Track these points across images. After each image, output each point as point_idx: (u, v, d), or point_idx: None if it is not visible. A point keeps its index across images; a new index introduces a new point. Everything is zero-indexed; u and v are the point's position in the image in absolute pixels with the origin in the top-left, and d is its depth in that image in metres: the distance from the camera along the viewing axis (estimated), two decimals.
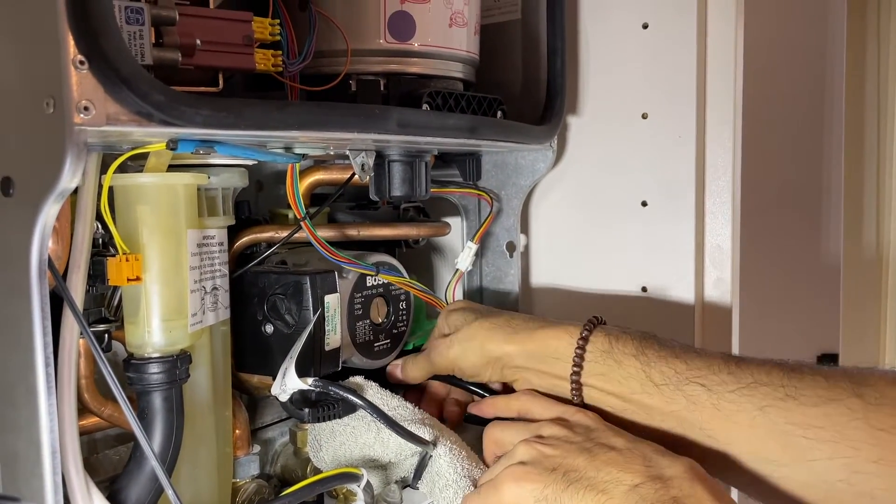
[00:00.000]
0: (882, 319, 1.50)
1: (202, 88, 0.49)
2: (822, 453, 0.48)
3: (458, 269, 0.77)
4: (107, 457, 0.65)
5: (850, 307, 1.09)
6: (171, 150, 0.46)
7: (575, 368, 0.58)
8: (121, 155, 0.49)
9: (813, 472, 0.49)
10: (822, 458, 0.48)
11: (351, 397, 0.59)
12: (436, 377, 0.70)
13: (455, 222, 0.81)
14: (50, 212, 0.39)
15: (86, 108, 0.37)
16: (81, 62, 0.37)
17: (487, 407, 0.64)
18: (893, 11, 1.45)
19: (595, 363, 0.58)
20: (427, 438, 0.60)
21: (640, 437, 0.53)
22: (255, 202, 0.73)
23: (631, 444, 0.51)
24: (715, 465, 0.52)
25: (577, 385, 0.59)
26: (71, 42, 0.37)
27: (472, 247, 0.77)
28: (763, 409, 0.50)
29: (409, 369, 0.70)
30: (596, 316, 0.61)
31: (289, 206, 0.70)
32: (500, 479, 0.52)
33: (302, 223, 0.62)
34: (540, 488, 0.49)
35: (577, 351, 0.58)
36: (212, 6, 0.50)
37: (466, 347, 0.64)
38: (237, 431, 0.65)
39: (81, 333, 0.47)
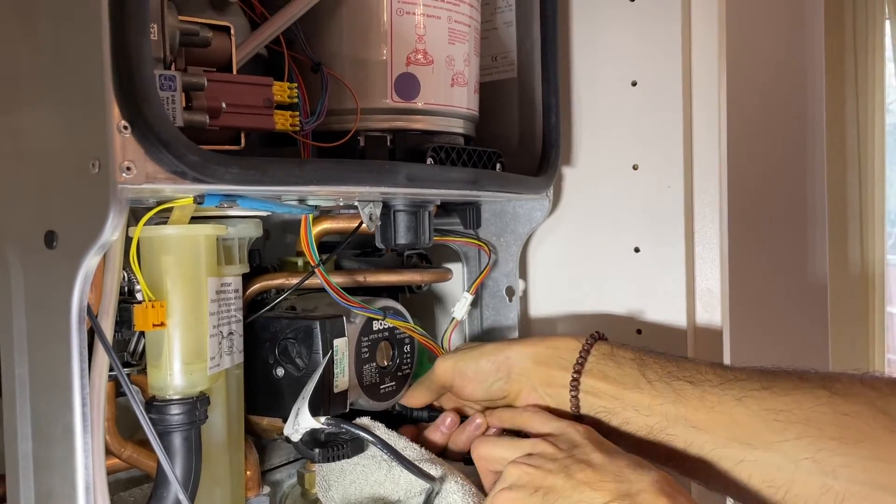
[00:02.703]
0: (870, 355, 1.54)
1: (225, 147, 0.52)
2: (790, 434, 0.54)
3: (454, 318, 0.80)
4: (121, 498, 0.67)
5: (838, 346, 1.12)
6: (199, 204, 0.49)
7: (577, 367, 0.63)
8: (147, 208, 0.52)
9: (782, 453, 0.54)
10: (791, 439, 0.54)
11: (364, 435, 0.61)
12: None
13: (456, 268, 0.85)
14: (91, 263, 0.43)
15: (128, 169, 0.41)
16: (125, 127, 0.41)
17: (495, 419, 0.67)
18: (869, 54, 1.52)
19: (596, 363, 0.63)
20: (435, 475, 0.62)
21: (630, 433, 0.58)
22: (263, 250, 0.76)
23: (607, 460, 0.54)
24: (698, 451, 0.58)
25: (576, 382, 0.63)
26: (116, 109, 0.41)
27: (468, 297, 0.80)
28: (741, 399, 0.56)
29: (411, 393, 0.73)
30: (598, 331, 0.67)
31: (297, 254, 0.74)
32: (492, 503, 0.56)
33: (316, 270, 0.65)
34: None
35: (583, 351, 0.64)
36: (235, 72, 0.53)
37: (473, 353, 0.68)
38: (248, 473, 0.67)
39: (110, 376, 0.50)
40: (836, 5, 1.47)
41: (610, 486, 0.51)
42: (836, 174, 1.48)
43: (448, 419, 0.69)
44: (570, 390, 0.63)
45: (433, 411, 0.73)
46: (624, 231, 0.80)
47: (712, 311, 0.76)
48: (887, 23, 1.52)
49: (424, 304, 0.91)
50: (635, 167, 0.79)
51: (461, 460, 0.68)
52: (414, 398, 0.72)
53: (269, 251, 0.78)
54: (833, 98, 1.31)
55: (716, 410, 0.57)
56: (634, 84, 0.79)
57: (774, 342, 0.88)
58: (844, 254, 1.51)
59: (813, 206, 0.97)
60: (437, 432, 0.69)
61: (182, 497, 0.50)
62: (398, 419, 0.74)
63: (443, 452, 0.69)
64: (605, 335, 0.66)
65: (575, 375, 0.63)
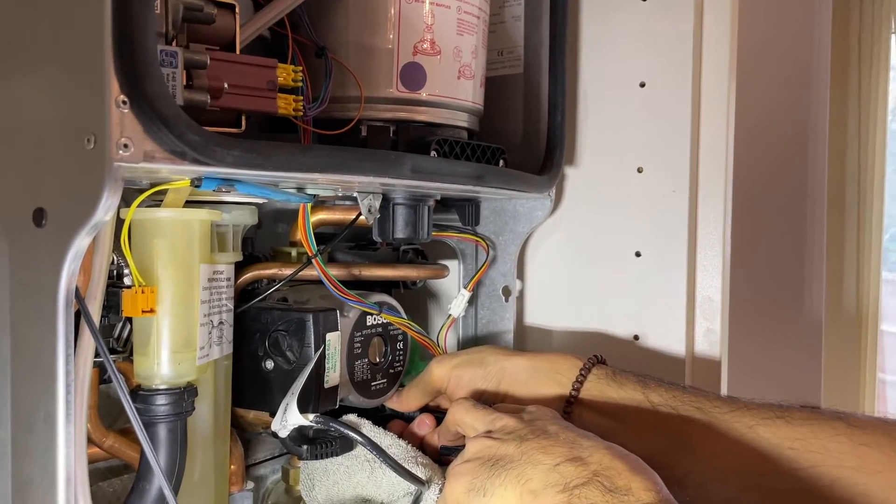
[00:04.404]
0: (862, 372, 1.54)
1: (225, 129, 0.50)
2: (807, 462, 0.52)
3: (450, 315, 0.79)
4: (100, 489, 0.65)
5: (831, 360, 1.12)
6: (196, 187, 0.47)
7: (576, 384, 0.61)
8: (138, 190, 0.50)
9: (798, 481, 0.53)
10: (806, 467, 0.52)
11: (353, 434, 0.60)
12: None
13: (452, 265, 0.83)
14: (82, 243, 0.41)
15: (125, 146, 0.39)
16: (124, 102, 0.39)
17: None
18: (874, 68, 1.52)
19: (596, 382, 0.61)
20: (422, 478, 0.61)
21: None
22: (255, 239, 0.75)
23: (563, 430, 0.52)
24: (699, 479, 0.56)
25: (573, 399, 0.61)
26: (115, 83, 0.39)
27: (465, 294, 0.78)
28: (752, 427, 0.55)
29: (404, 395, 0.71)
30: (599, 354, 0.65)
31: (290, 244, 0.72)
32: (446, 477, 0.55)
33: (313, 260, 0.64)
34: (470, 479, 0.52)
35: (583, 370, 0.62)
36: (238, 52, 0.51)
37: (470, 359, 0.67)
38: (232, 467, 0.65)
39: (95, 363, 0.47)
40: (843, 18, 1.47)
41: (560, 450, 0.50)
42: (835, 186, 1.48)
43: (426, 422, 0.69)
44: (566, 406, 0.61)
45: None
46: (625, 234, 0.78)
47: (712, 319, 0.75)
48: (893, 37, 1.52)
49: (417, 301, 0.89)
50: (640, 170, 0.78)
51: (437, 460, 0.67)
52: (407, 402, 0.71)
53: (260, 240, 0.76)
54: (835, 110, 1.31)
55: (724, 438, 0.55)
56: (643, 85, 0.77)
57: (772, 353, 0.87)
58: (840, 270, 1.51)
59: (812, 217, 0.97)
60: (414, 434, 0.69)
61: (166, 490, 0.48)
62: (389, 419, 0.72)
63: (421, 451, 0.67)
64: (606, 359, 0.65)
65: (573, 393, 0.61)
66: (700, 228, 0.75)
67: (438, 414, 0.70)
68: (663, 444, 0.57)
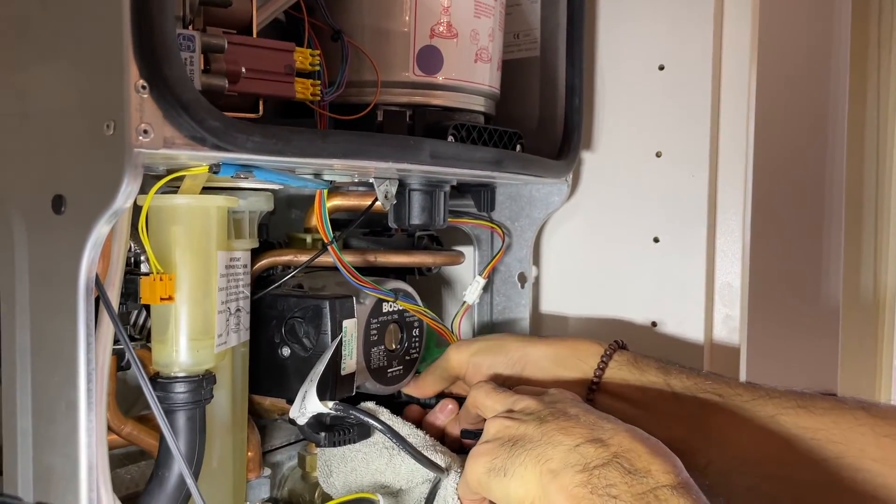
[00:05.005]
0: (878, 360, 1.53)
1: (243, 114, 0.49)
2: (829, 453, 0.52)
3: (465, 302, 0.78)
4: (118, 476, 0.65)
5: (848, 348, 1.11)
6: (214, 173, 0.47)
7: (598, 371, 0.61)
8: (155, 176, 0.50)
9: (819, 472, 0.52)
10: (829, 458, 0.52)
11: (372, 422, 0.60)
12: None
13: (467, 251, 0.82)
14: (102, 231, 0.40)
15: (145, 132, 0.38)
16: (143, 87, 0.38)
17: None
18: (893, 69, 1.50)
19: (618, 369, 0.62)
20: (441, 465, 0.61)
21: None
22: (268, 226, 0.74)
23: (584, 412, 0.52)
24: (721, 467, 0.56)
25: (595, 386, 0.61)
26: (134, 67, 0.38)
27: (480, 281, 0.78)
28: (774, 416, 0.55)
29: (421, 381, 0.71)
30: (620, 340, 0.65)
31: (305, 231, 0.71)
32: (468, 458, 0.55)
33: (329, 247, 0.63)
34: (490, 459, 0.51)
35: (605, 356, 0.62)
36: (255, 36, 0.51)
37: (489, 345, 0.66)
38: (250, 454, 0.65)
39: (113, 350, 0.47)
40: (863, 2, 1.45)
41: (581, 431, 0.49)
42: (853, 172, 1.46)
43: (448, 406, 0.68)
44: (588, 394, 0.61)
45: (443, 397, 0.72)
46: (644, 220, 0.78)
47: (731, 306, 0.74)
48: None
49: (431, 288, 0.89)
50: (658, 154, 0.77)
51: (458, 447, 0.66)
52: (424, 387, 0.70)
53: (274, 226, 0.76)
54: (854, 95, 1.30)
55: (745, 426, 0.55)
56: (662, 68, 0.76)
57: (790, 340, 0.87)
58: (858, 256, 1.50)
59: (831, 203, 0.95)
60: (436, 419, 0.68)
61: (188, 478, 0.48)
62: (405, 406, 0.72)
63: (441, 439, 0.67)
64: (626, 345, 0.65)
65: (595, 380, 0.61)
66: (719, 214, 0.74)
67: (457, 399, 0.69)
68: (685, 431, 0.57)
